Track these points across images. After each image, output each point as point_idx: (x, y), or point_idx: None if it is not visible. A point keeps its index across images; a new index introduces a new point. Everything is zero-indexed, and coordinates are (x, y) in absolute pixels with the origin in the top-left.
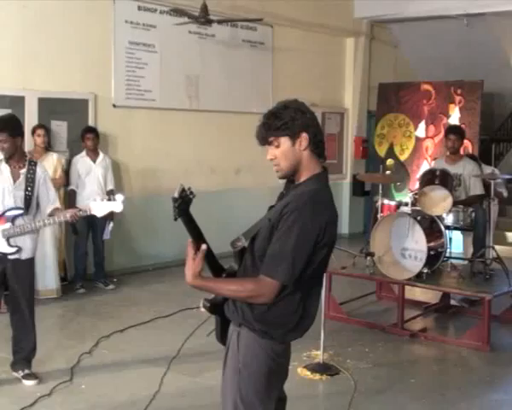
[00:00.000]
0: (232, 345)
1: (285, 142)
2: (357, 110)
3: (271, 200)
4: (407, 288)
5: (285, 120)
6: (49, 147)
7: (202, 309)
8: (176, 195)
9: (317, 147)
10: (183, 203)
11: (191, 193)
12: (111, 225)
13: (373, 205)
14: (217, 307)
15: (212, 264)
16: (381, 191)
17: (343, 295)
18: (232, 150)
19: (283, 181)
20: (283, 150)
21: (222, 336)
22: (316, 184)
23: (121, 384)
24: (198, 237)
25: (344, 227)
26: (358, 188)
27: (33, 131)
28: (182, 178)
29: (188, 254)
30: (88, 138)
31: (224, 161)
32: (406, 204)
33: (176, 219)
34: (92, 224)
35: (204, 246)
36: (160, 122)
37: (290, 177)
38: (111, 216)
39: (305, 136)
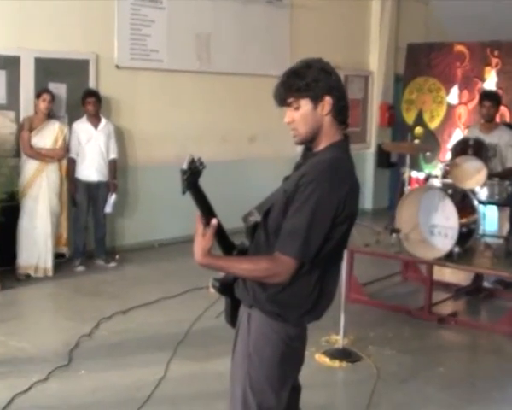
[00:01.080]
0: (242, 328)
1: (306, 104)
2: (384, 73)
3: (288, 170)
4: (436, 268)
5: (307, 80)
6: (52, 114)
7: (211, 290)
8: (184, 166)
9: (340, 113)
10: (192, 175)
11: (201, 164)
12: (113, 197)
13: (399, 177)
14: (227, 287)
15: (223, 240)
16: (408, 162)
17: (366, 276)
18: (246, 116)
19: (300, 149)
20: (303, 114)
21: (232, 319)
22: (335, 152)
23: (123, 369)
24: (208, 211)
25: (367, 201)
26: (384, 159)
27: (38, 95)
28: (191, 147)
29: (196, 229)
30: (89, 103)
31: (237, 128)
32: (436, 176)
33: (184, 193)
34: (93, 196)
35: (214, 221)
36: (168, 85)
37: (308, 143)
38: (114, 188)
39: (328, 100)
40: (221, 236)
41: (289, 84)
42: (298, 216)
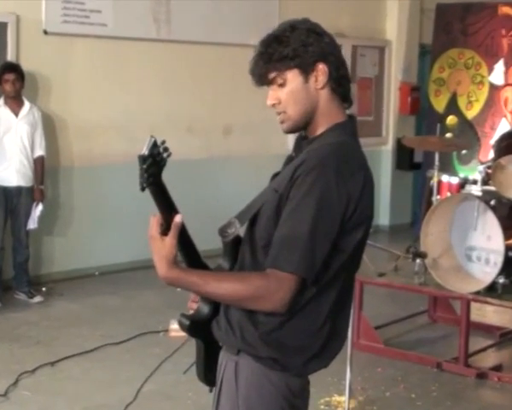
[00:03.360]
0: (227, 383)
1: (294, 77)
2: (405, 44)
3: (276, 170)
4: (474, 305)
5: (294, 45)
6: None
7: (173, 333)
8: (145, 151)
9: (340, 84)
10: (155, 164)
11: (165, 150)
12: (39, 208)
13: (426, 183)
14: (200, 326)
15: (189, 256)
16: (437, 163)
17: (380, 316)
18: (219, 101)
19: (292, 139)
20: (292, 90)
21: (206, 373)
22: (341, 135)
23: None
24: (170, 210)
25: (383, 215)
26: (405, 158)
27: None
28: (144, 140)
29: (151, 232)
30: (6, 81)
31: (208, 115)
32: (475, 182)
33: (143, 189)
34: (12, 206)
35: (178, 218)
36: (114, 58)
37: (301, 130)
38: (41, 195)
39: (322, 68)
40: (187, 248)
41: (270, 54)
42: (296, 217)
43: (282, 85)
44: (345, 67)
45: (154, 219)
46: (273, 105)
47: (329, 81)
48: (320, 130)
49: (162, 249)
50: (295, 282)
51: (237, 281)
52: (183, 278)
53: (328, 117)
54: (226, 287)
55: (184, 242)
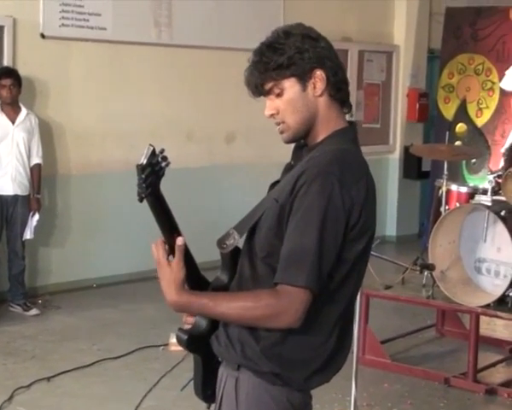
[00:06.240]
0: (227, 399)
1: (291, 86)
2: (413, 48)
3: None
4: (483, 319)
5: (289, 53)
6: None
7: (173, 347)
8: (143, 160)
9: (339, 90)
10: (154, 174)
11: (164, 159)
12: (36, 218)
13: (434, 193)
14: (198, 341)
15: (191, 273)
16: (446, 172)
17: (386, 330)
18: (222, 107)
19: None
20: (290, 99)
21: (204, 389)
22: (341, 142)
23: None
24: (171, 228)
25: (390, 226)
26: (413, 167)
27: None
28: (144, 147)
29: (158, 258)
30: (3, 86)
31: (210, 122)
32: (484, 192)
33: (142, 200)
34: (7, 215)
35: (180, 240)
36: (113, 62)
37: (301, 138)
38: (37, 205)
39: (319, 74)
40: (189, 266)
41: (265, 62)
42: (302, 229)
43: (279, 95)
44: (342, 70)
45: (158, 245)
46: (271, 115)
47: (327, 87)
48: (320, 137)
49: (170, 274)
50: (306, 295)
51: (248, 300)
52: (194, 302)
53: (327, 124)
54: (237, 306)
55: (187, 262)
